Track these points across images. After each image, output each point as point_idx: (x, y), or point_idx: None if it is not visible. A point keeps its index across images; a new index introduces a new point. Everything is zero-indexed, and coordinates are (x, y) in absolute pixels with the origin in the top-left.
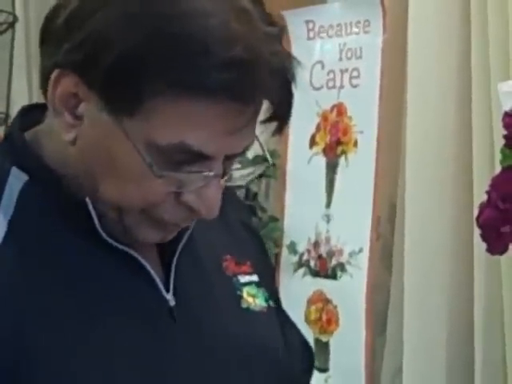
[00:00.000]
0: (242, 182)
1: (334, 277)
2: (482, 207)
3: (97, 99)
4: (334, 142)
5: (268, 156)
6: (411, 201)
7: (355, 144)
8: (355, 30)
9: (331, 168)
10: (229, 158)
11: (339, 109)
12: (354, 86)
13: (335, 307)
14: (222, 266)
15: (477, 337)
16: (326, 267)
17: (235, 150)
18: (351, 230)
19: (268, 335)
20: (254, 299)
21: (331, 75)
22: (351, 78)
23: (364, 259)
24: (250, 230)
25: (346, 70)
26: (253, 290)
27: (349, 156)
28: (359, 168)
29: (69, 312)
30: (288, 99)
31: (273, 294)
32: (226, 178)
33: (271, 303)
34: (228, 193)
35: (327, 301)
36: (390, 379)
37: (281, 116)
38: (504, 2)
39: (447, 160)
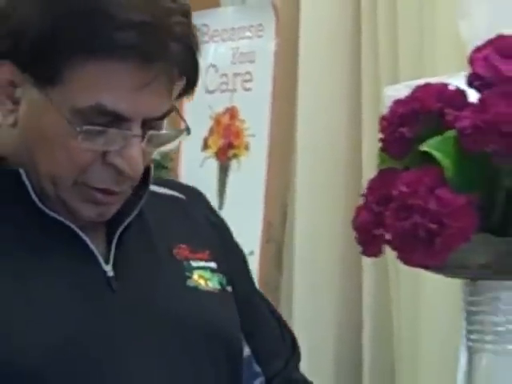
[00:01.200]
0: None
1: None
2: (358, 210)
3: (28, 80)
4: (227, 146)
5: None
6: (302, 204)
7: (247, 147)
8: (248, 34)
9: (223, 171)
10: (148, 123)
11: (232, 112)
12: (247, 90)
13: None
14: (172, 252)
15: (365, 335)
16: None
17: (151, 113)
18: (242, 233)
19: (215, 312)
20: (205, 281)
21: (224, 79)
22: (244, 81)
23: (255, 262)
24: (214, 225)
25: (239, 74)
26: (206, 274)
27: (241, 159)
28: (251, 171)
29: (4, 280)
30: (193, 64)
31: (242, 286)
32: (146, 140)
33: (229, 288)
34: (194, 192)
35: None
36: None
37: (187, 79)
38: (393, 8)
39: (338, 164)
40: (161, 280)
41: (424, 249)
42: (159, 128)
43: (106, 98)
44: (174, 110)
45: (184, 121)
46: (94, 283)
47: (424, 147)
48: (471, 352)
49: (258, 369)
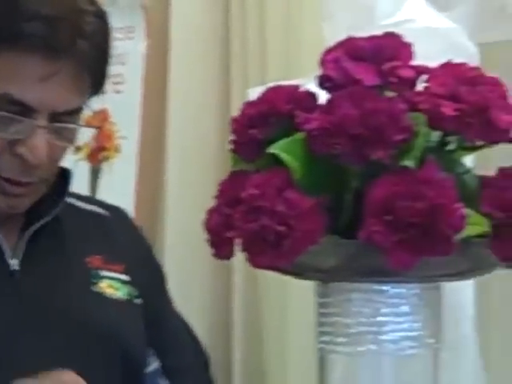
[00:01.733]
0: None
1: None
2: (210, 212)
3: None
4: (98, 148)
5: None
6: (172, 205)
7: (118, 150)
8: (119, 36)
9: (95, 174)
10: (57, 117)
11: (103, 114)
12: (118, 92)
13: None
14: (84, 259)
15: (235, 337)
16: None
17: (57, 106)
18: None
19: (115, 319)
20: (113, 290)
21: None
22: (115, 83)
23: None
24: (135, 245)
25: (110, 76)
26: (116, 284)
27: (112, 162)
28: (122, 174)
29: None
30: (101, 64)
31: (156, 304)
32: (53, 132)
33: (137, 301)
34: (118, 210)
35: None
36: None
37: (93, 78)
38: (262, 9)
39: (208, 165)
40: (65, 281)
41: (272, 251)
42: (70, 123)
43: (13, 87)
44: (82, 109)
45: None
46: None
47: (272, 149)
48: (323, 353)
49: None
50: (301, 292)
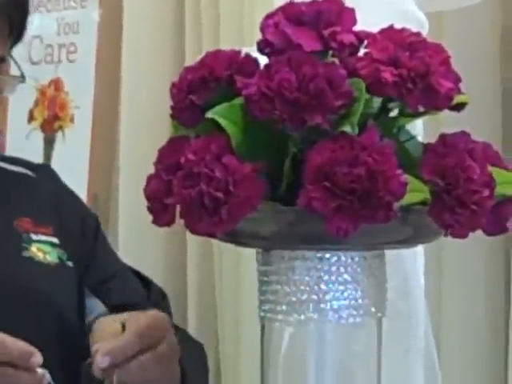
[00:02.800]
0: None
1: None
2: (149, 178)
3: None
4: (52, 117)
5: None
6: (127, 176)
7: (72, 119)
8: (73, 4)
9: (49, 143)
10: None
11: (56, 84)
12: (71, 61)
13: None
14: (13, 223)
15: (190, 316)
16: None
17: None
18: None
19: (47, 282)
20: (44, 254)
21: (49, 50)
22: (68, 52)
23: None
24: (60, 199)
25: (64, 45)
26: (46, 247)
27: (66, 131)
28: (76, 143)
29: None
30: (20, 14)
31: (90, 256)
32: None
33: (69, 263)
34: (44, 169)
35: None
36: None
37: (14, 29)
38: None
39: (161, 134)
40: None
41: (210, 218)
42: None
43: None
44: (6, 59)
45: (19, 68)
46: None
47: (209, 114)
48: (265, 322)
49: None
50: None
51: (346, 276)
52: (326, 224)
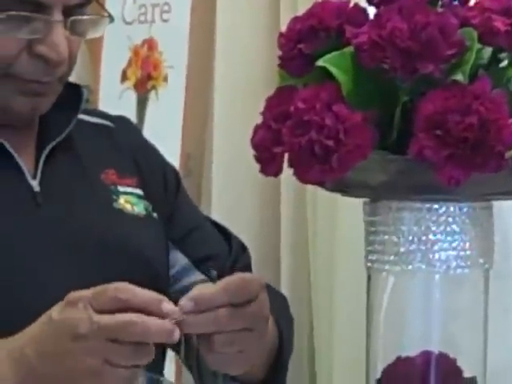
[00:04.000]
0: None
1: None
2: (257, 128)
3: None
4: (145, 77)
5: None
6: (221, 135)
7: (165, 79)
8: None
9: (142, 103)
10: (69, 11)
11: (150, 43)
12: (165, 21)
13: None
14: (100, 176)
15: (283, 270)
16: None
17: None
18: None
19: (138, 235)
20: (131, 206)
21: (143, 9)
22: (162, 12)
23: None
24: (142, 151)
25: (158, 5)
26: (133, 199)
27: (159, 91)
28: (169, 103)
29: None
30: None
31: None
32: (69, 27)
33: (154, 215)
34: (123, 119)
35: None
36: None
37: None
38: None
39: (256, 95)
40: (86, 199)
41: (320, 166)
42: (82, 16)
43: None
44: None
45: (105, 10)
46: (20, 197)
47: (320, 62)
48: (371, 272)
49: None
50: (350, 210)
51: (454, 227)
52: (437, 173)
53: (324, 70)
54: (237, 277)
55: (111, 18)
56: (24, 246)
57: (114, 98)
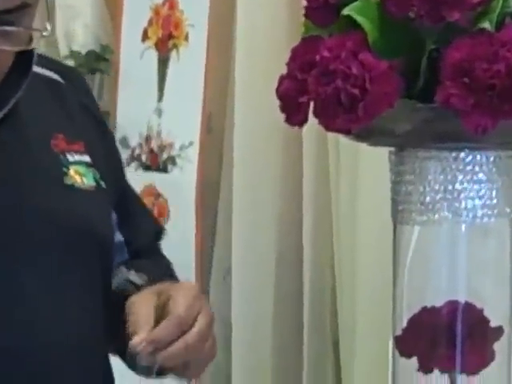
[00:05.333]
0: None
1: (164, 170)
2: (281, 79)
3: None
4: (166, 36)
5: None
6: (241, 96)
7: (186, 38)
8: None
9: (163, 62)
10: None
11: (171, 2)
12: None
13: (166, 201)
14: (49, 143)
15: (305, 231)
16: (157, 161)
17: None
18: (182, 124)
19: (90, 211)
20: (81, 177)
21: None
22: None
23: (194, 153)
24: (89, 112)
25: None
26: (81, 168)
27: (180, 50)
28: (190, 62)
29: None
30: None
31: (116, 182)
32: None
33: (102, 184)
34: (74, 75)
35: (158, 195)
36: (221, 277)
37: None
38: None
39: (279, 53)
40: (39, 178)
41: (346, 114)
42: (18, 25)
43: None
44: (33, 5)
45: (49, 17)
46: None
47: (346, 11)
48: (397, 222)
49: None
50: (373, 160)
51: (480, 175)
52: (464, 120)
53: (349, 19)
54: (183, 301)
55: (46, 31)
56: None
57: (135, 57)
